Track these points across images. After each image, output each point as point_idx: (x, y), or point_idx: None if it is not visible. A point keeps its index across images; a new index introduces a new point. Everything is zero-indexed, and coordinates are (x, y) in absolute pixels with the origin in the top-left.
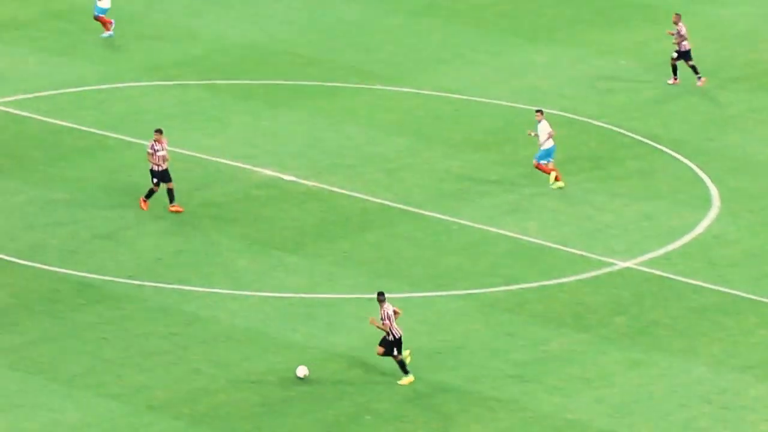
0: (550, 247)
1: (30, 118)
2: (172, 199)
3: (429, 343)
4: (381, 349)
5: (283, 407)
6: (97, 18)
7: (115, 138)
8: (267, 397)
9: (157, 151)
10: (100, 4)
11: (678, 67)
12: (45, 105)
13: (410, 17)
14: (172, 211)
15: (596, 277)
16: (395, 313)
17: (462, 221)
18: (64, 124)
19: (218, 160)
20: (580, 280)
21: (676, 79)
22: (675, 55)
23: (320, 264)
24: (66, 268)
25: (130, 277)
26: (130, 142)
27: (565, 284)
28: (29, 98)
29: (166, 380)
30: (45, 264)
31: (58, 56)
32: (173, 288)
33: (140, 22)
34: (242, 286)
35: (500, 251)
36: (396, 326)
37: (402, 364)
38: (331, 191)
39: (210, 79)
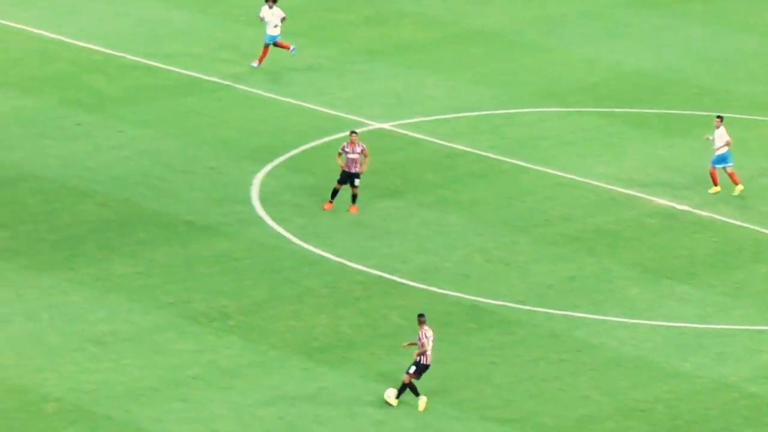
0: None
1: (426, 140)
2: (353, 200)
3: None
4: (407, 376)
5: None
6: (275, 44)
7: (511, 163)
8: (655, 426)
9: (347, 153)
10: (269, 32)
11: None
12: (441, 128)
13: None
14: (351, 212)
15: None
16: (423, 345)
17: None
18: (459, 147)
19: (612, 187)
20: None
21: None
22: None
23: (712, 294)
24: (458, 292)
25: (521, 302)
26: (526, 168)
27: None
28: (426, 121)
29: (555, 406)
30: (438, 287)
31: (456, 80)
32: (564, 314)
33: (539, 49)
34: (633, 313)
35: None
36: (429, 353)
37: (413, 388)
38: (724, 222)
39: (607, 107)
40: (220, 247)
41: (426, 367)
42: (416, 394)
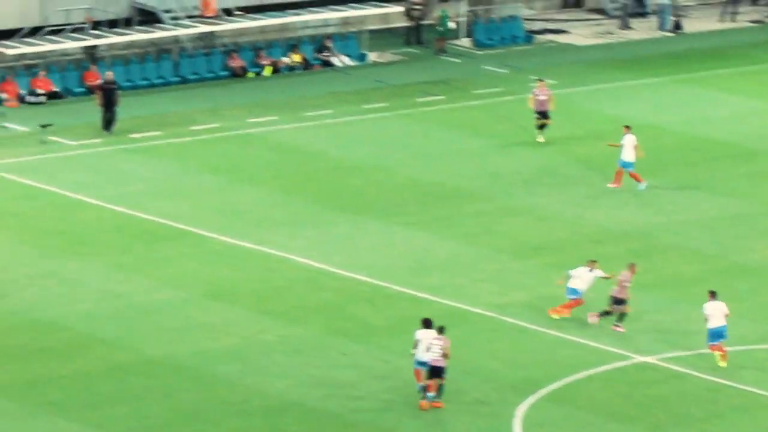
0: None
1: (689, 374)
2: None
3: None
4: None
5: None
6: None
7: None
8: None
9: None
10: (623, 158)
11: None
12: (704, 362)
13: None
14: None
15: None
16: None
17: None
18: (722, 381)
19: None
20: None
21: None
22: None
23: None
24: None
25: None
26: None
27: None
28: (689, 355)
29: None
30: None
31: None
32: None
33: None
34: None
35: None
36: None
37: None
38: None
39: None
40: None
41: None
42: None
